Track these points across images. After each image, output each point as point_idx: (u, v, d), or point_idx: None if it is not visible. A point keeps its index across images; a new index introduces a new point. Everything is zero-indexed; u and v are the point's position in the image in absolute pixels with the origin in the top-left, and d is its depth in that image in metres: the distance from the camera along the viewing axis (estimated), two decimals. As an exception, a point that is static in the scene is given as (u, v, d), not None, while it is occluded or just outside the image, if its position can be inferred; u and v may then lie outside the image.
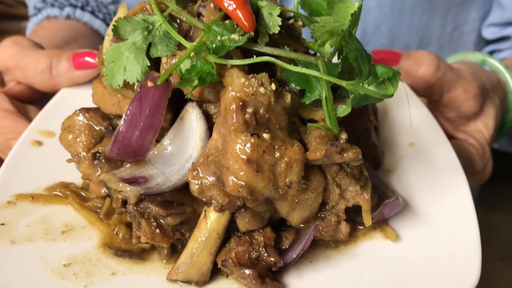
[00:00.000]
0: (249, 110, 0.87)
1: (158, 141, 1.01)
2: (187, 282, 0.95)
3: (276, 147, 0.88)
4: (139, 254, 1.01)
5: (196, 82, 0.88)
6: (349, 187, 0.97)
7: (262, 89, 0.88)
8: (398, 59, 1.41)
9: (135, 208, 0.97)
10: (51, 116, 1.31)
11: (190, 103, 1.00)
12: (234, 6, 0.92)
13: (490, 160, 1.45)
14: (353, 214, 1.03)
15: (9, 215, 1.05)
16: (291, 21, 1.08)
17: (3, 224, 1.02)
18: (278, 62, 0.89)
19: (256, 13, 0.98)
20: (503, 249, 2.95)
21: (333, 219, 0.99)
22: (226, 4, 0.93)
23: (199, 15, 1.02)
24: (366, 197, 0.97)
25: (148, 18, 1.00)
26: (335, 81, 0.87)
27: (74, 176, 1.16)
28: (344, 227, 0.99)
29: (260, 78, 0.89)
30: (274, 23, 0.97)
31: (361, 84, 0.89)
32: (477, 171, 1.40)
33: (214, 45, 0.88)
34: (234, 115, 0.86)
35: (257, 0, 0.99)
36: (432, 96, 1.44)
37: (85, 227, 1.06)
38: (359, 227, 1.04)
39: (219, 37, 0.90)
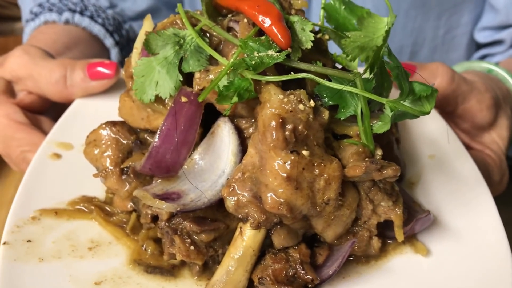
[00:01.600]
0: (289, 127, 0.86)
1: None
2: (222, 299, 0.94)
3: (315, 164, 0.87)
4: (170, 271, 0.99)
5: (235, 99, 0.87)
6: (382, 203, 0.98)
7: (301, 106, 0.88)
8: (413, 71, 1.42)
9: (167, 224, 0.96)
10: (67, 127, 1.29)
11: (222, 118, 0.98)
12: (270, 22, 0.92)
13: (507, 170, 1.46)
14: (382, 229, 1.03)
15: (35, 231, 1.02)
16: (319, 35, 1.07)
17: (29, 241, 1.00)
18: (316, 78, 0.88)
19: (288, 27, 0.97)
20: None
21: (365, 235, 0.99)
22: (261, 20, 0.92)
23: (229, 30, 1.01)
24: (399, 212, 0.97)
25: (179, 32, 0.99)
26: (375, 98, 0.87)
27: (96, 189, 1.14)
28: (376, 242, 0.99)
29: (298, 95, 0.89)
30: (306, 39, 0.97)
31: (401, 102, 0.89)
32: (495, 182, 1.40)
33: (253, 62, 0.87)
34: (274, 132, 0.85)
35: (289, 15, 0.99)
36: (446, 107, 1.45)
37: (111, 243, 1.04)
38: (389, 241, 1.04)
39: (256, 54, 0.89)
